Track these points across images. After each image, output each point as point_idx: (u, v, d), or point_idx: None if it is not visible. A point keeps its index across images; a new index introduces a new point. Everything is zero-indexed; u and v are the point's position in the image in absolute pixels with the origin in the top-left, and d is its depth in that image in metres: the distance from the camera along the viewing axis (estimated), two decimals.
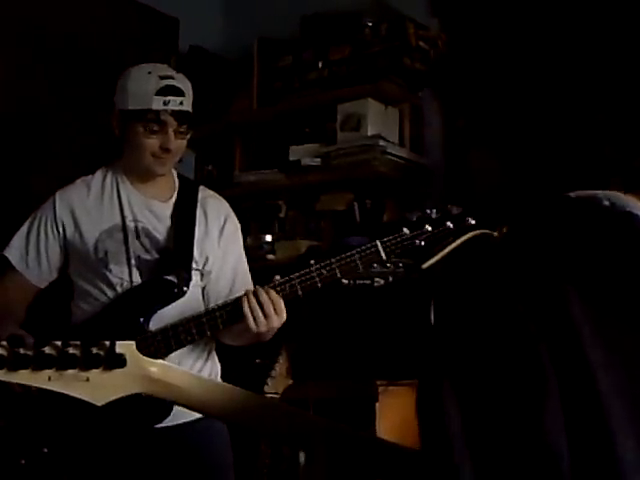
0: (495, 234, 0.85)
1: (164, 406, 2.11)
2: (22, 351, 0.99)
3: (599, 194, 0.76)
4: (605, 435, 0.65)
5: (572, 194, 0.77)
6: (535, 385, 0.67)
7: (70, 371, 1.03)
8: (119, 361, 1.06)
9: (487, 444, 0.68)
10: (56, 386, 1.04)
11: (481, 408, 0.69)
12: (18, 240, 2.32)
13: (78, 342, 1.04)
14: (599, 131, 0.77)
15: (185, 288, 2.23)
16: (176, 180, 2.40)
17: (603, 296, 0.69)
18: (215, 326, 2.14)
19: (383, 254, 2.15)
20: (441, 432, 0.69)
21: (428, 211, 2.18)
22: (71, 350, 1.02)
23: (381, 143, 3.30)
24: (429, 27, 3.36)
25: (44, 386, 1.04)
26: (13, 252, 2.31)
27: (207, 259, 2.31)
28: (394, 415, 2.76)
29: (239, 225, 2.45)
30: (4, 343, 1.00)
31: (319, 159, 3.48)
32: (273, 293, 2.11)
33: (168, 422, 2.17)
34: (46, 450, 2.15)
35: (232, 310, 2.12)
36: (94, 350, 1.03)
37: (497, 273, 0.74)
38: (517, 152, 0.81)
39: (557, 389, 0.67)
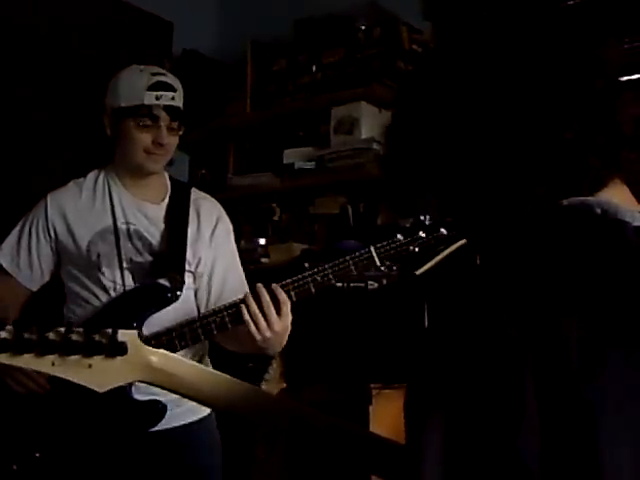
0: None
1: (158, 410, 2.11)
2: (26, 335, 1.00)
3: (591, 201, 0.76)
4: (592, 445, 0.65)
5: (565, 201, 0.77)
6: (513, 404, 0.67)
7: (73, 357, 1.04)
8: (120, 349, 1.06)
9: (462, 456, 0.68)
10: (59, 371, 1.04)
11: (461, 422, 0.69)
12: (9, 243, 2.30)
13: (81, 329, 1.04)
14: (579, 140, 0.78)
15: (179, 292, 2.21)
16: (168, 182, 2.39)
17: (595, 310, 0.69)
18: (209, 331, 2.10)
19: (377, 260, 2.14)
20: (420, 439, 0.70)
21: (422, 217, 2.17)
22: (74, 337, 1.03)
23: (375, 146, 3.30)
24: (422, 30, 3.38)
25: (47, 371, 1.04)
26: (4, 255, 2.30)
27: (199, 260, 2.29)
28: (388, 418, 2.75)
29: (231, 227, 2.42)
30: (9, 327, 1.00)
31: (313, 162, 3.49)
32: (281, 293, 2.06)
33: (161, 426, 2.15)
34: (38, 455, 2.13)
35: (229, 315, 2.08)
36: (96, 337, 1.03)
37: (489, 286, 0.75)
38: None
39: (535, 410, 0.67)
